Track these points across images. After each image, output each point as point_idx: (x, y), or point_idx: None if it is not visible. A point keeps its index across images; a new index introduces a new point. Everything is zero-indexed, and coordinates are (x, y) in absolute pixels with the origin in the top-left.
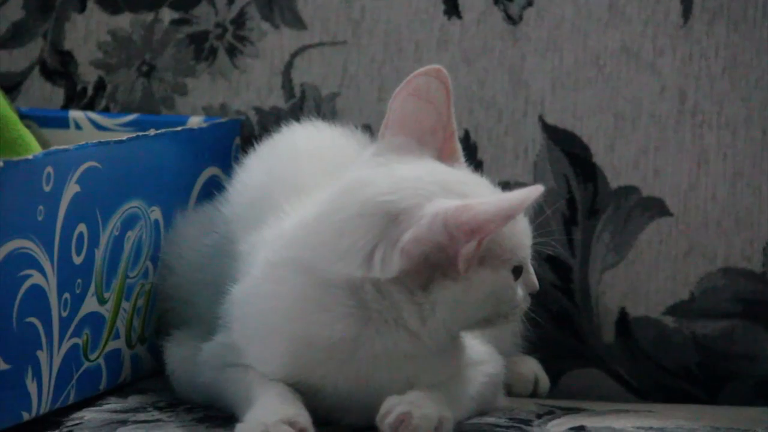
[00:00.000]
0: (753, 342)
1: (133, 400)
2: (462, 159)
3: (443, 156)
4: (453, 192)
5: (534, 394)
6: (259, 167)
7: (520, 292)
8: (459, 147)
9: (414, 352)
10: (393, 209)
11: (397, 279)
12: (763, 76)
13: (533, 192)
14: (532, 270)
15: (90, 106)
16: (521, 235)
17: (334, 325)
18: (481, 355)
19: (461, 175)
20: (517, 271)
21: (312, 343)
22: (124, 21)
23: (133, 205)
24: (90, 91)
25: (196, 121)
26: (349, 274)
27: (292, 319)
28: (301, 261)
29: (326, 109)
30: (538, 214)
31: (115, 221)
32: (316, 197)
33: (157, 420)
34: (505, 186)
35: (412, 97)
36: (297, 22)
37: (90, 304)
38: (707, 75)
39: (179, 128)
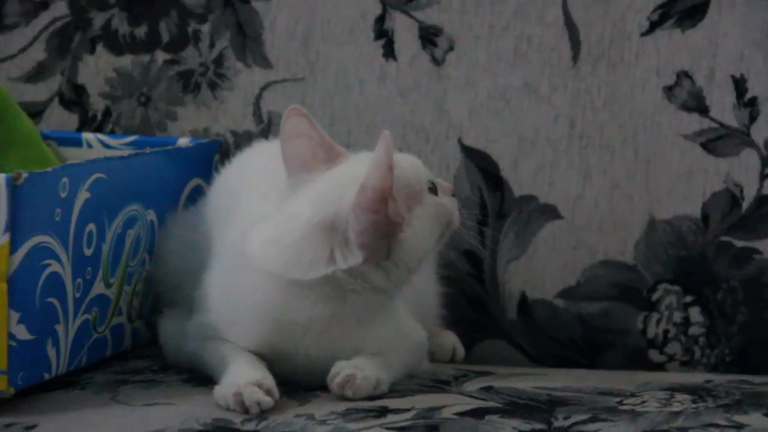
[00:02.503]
0: (625, 319)
1: (132, 365)
2: (345, 150)
3: (334, 159)
4: (350, 180)
5: (452, 361)
6: (230, 177)
7: (445, 199)
8: (339, 147)
9: (379, 314)
10: (325, 220)
11: (365, 263)
12: (635, 108)
13: (385, 139)
14: (439, 180)
15: (99, 129)
16: (412, 167)
17: (313, 308)
18: (411, 330)
19: (343, 168)
20: (433, 190)
21: (293, 323)
22: (126, 61)
23: (133, 208)
24: (99, 117)
25: (183, 142)
26: (322, 273)
27: (272, 307)
28: (274, 272)
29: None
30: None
31: (118, 221)
32: (270, 201)
33: (152, 381)
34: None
35: (287, 140)
36: (265, 63)
37: (98, 288)
38: (591, 107)
39: (170, 147)
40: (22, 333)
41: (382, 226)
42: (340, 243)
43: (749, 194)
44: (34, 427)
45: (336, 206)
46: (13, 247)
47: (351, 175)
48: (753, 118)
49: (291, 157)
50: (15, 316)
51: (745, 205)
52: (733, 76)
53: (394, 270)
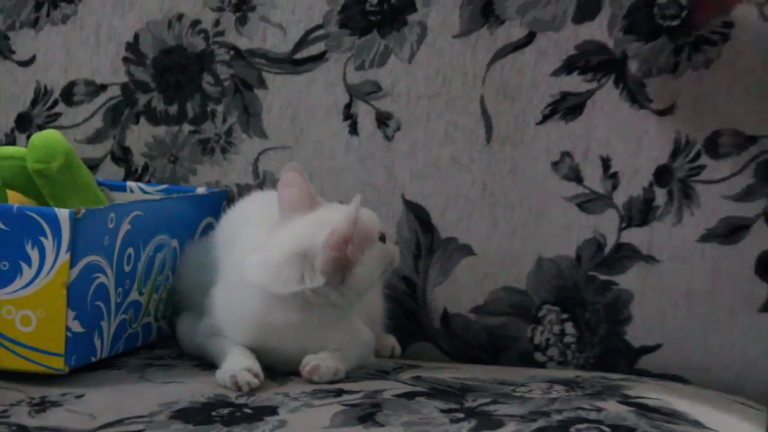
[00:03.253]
0: (518, 330)
1: (156, 353)
2: (322, 200)
3: (314, 206)
4: (323, 224)
5: (391, 357)
6: (233, 217)
7: (390, 246)
8: (318, 197)
9: (338, 321)
10: (300, 251)
11: (325, 284)
12: (530, 177)
13: (357, 200)
14: (388, 230)
15: (139, 179)
16: (369, 220)
17: (288, 315)
18: (362, 332)
19: (319, 214)
20: (382, 238)
21: (274, 326)
22: (161, 131)
23: (162, 238)
24: (139, 171)
25: (201, 190)
26: (294, 289)
27: (259, 314)
28: (261, 285)
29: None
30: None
31: (150, 247)
32: (262, 234)
33: (170, 365)
34: None
35: (283, 187)
36: (262, 135)
37: (133, 295)
38: (499, 175)
39: (190, 194)
40: (76, 327)
41: (341, 261)
42: (309, 269)
43: (610, 242)
44: (82, 396)
45: (310, 241)
46: (73, 263)
47: (324, 220)
48: (614, 187)
49: (284, 200)
50: (71, 314)
51: (606, 250)
52: (601, 156)
53: (347, 293)
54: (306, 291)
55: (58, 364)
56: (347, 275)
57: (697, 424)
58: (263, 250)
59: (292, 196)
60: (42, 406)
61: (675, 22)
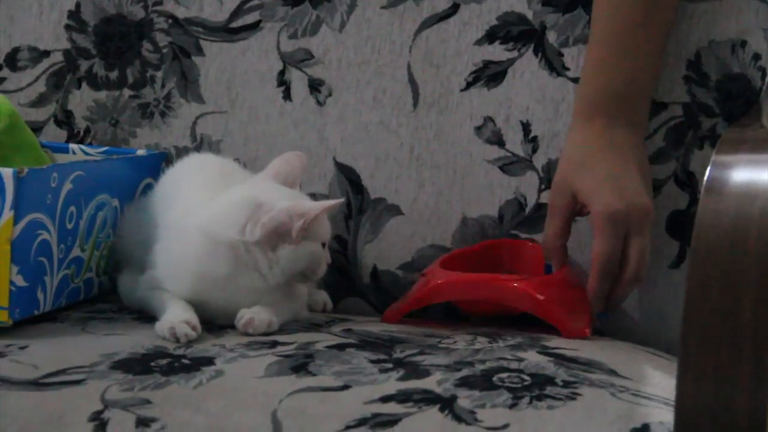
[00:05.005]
0: None
1: (98, 307)
2: (297, 189)
3: (291, 185)
4: (289, 196)
5: (323, 311)
6: (172, 177)
7: (325, 257)
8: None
9: (262, 287)
10: (259, 201)
11: (257, 242)
12: (455, 140)
13: (337, 203)
14: (328, 250)
15: (81, 142)
16: (327, 225)
17: (220, 268)
18: (295, 287)
19: (292, 191)
20: (323, 245)
21: (207, 278)
22: (102, 95)
23: (103, 197)
24: (81, 133)
25: (141, 152)
26: (231, 237)
27: (196, 265)
28: (202, 227)
29: (214, 149)
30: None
31: (92, 205)
32: (204, 192)
33: (111, 318)
34: (312, 195)
35: (282, 160)
36: (199, 99)
37: (75, 252)
38: (425, 138)
39: (131, 155)
40: (20, 281)
41: (283, 230)
42: (254, 221)
43: (531, 202)
44: (26, 347)
45: (270, 199)
46: (16, 220)
47: (292, 194)
48: (534, 150)
49: (274, 168)
50: (15, 268)
51: (527, 210)
52: (521, 121)
53: (273, 265)
54: (240, 244)
55: (2, 316)
56: (279, 247)
57: (612, 372)
58: (217, 199)
59: (282, 169)
60: None
61: None
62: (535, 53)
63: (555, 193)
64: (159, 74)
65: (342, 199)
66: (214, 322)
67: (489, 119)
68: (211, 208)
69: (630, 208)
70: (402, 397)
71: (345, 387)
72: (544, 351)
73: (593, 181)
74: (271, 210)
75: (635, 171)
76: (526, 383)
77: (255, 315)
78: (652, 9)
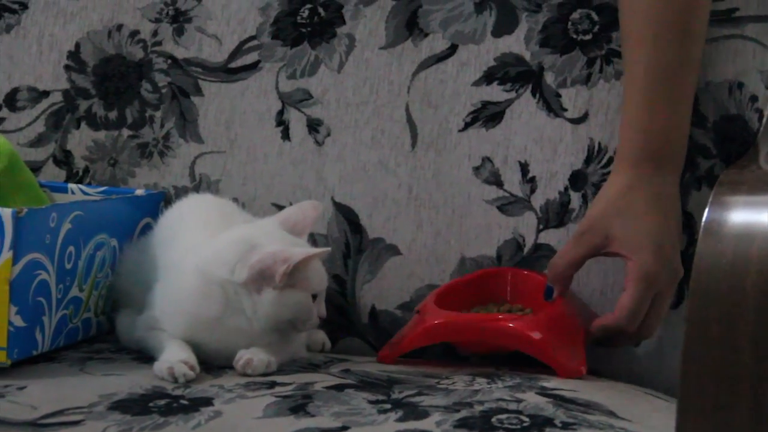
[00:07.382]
0: None
1: (96, 347)
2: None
3: (298, 234)
4: (286, 241)
5: (322, 351)
6: (171, 217)
7: (317, 309)
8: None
9: (249, 330)
10: (253, 242)
11: (245, 284)
12: (453, 181)
13: (322, 250)
14: (323, 302)
15: (80, 182)
16: (320, 276)
17: (211, 308)
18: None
19: (292, 237)
20: (314, 298)
21: (201, 318)
22: (101, 135)
23: (101, 237)
24: (80, 173)
25: (140, 192)
26: (222, 276)
27: (190, 305)
28: (199, 266)
29: (213, 189)
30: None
31: (90, 245)
32: (202, 233)
33: (110, 358)
34: (310, 236)
35: (297, 208)
36: (198, 139)
37: (74, 291)
38: (423, 179)
39: (129, 195)
40: (19, 321)
41: (267, 273)
42: (243, 262)
43: (529, 242)
44: (24, 387)
45: (263, 242)
46: (15, 260)
47: (288, 240)
48: (532, 191)
49: (286, 214)
50: (14, 309)
51: (525, 250)
52: (519, 162)
53: (257, 308)
54: (230, 285)
55: (0, 357)
56: (264, 290)
57: (611, 414)
58: (217, 238)
59: (293, 216)
60: None
61: (587, 37)
62: (533, 94)
63: (587, 228)
64: (158, 114)
65: (328, 248)
66: (213, 363)
67: (487, 159)
68: (209, 247)
69: (665, 271)
70: None
71: (344, 428)
72: (543, 392)
73: (635, 235)
74: (260, 251)
75: (674, 230)
76: (525, 424)
77: (253, 355)
78: (690, 47)
